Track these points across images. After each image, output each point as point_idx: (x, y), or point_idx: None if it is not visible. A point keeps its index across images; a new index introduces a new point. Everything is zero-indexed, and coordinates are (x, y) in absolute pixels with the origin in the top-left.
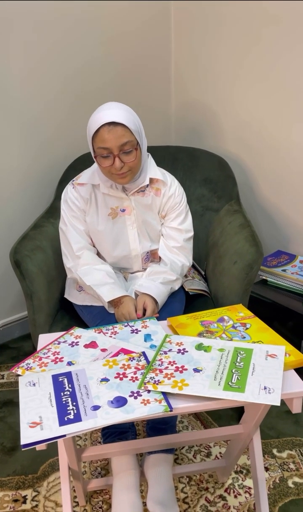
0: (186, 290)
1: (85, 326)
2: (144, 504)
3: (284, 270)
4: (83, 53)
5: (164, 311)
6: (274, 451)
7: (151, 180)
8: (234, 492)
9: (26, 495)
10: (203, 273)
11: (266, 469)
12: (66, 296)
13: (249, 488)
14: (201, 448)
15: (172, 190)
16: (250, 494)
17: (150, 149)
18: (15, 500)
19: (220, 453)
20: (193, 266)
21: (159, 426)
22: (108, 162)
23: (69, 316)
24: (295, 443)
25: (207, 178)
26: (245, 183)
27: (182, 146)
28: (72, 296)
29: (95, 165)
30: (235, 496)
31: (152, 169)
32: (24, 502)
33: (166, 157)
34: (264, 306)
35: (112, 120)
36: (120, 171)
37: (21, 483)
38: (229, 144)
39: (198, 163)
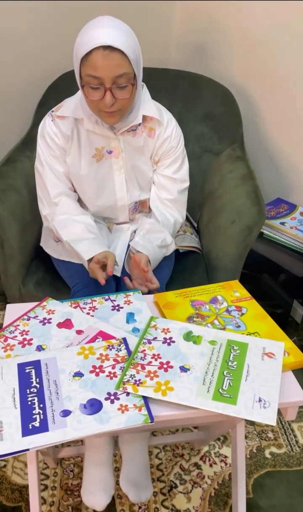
0: (176, 247)
1: (62, 279)
2: (117, 482)
3: (282, 223)
4: None
5: (153, 270)
6: None
7: (145, 118)
8: (209, 460)
9: None
10: (195, 225)
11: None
12: (42, 245)
13: (225, 456)
14: None
15: (168, 131)
16: (226, 464)
17: (145, 72)
18: None
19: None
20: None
21: None
22: (97, 94)
23: (44, 267)
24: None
25: (209, 113)
26: (249, 118)
27: (183, 71)
28: (49, 246)
29: (80, 94)
30: (210, 465)
31: (146, 105)
32: None
33: (164, 83)
34: (256, 259)
35: (109, 43)
36: (110, 108)
37: None
38: (236, 71)
39: (200, 94)
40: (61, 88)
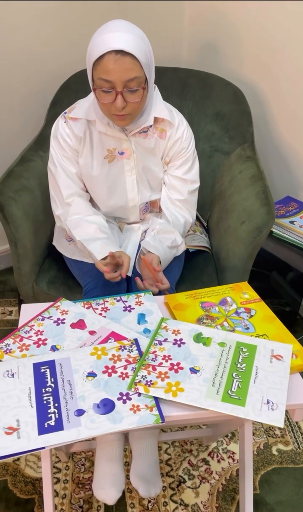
0: (186, 247)
1: (74, 278)
2: (127, 477)
3: (292, 222)
4: None
5: (163, 271)
6: None
7: (156, 119)
8: (217, 456)
9: None
10: (205, 224)
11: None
12: (54, 243)
13: (233, 453)
14: None
15: (179, 132)
16: (234, 460)
17: (156, 71)
18: None
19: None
20: None
21: None
22: (109, 98)
23: (57, 266)
24: None
25: (220, 112)
26: (260, 117)
27: (194, 70)
28: (61, 245)
29: (92, 96)
30: (218, 461)
31: (158, 106)
32: None
33: (175, 82)
34: (265, 257)
35: (121, 48)
36: (121, 111)
37: None
38: (247, 69)
39: (210, 93)
40: (73, 88)
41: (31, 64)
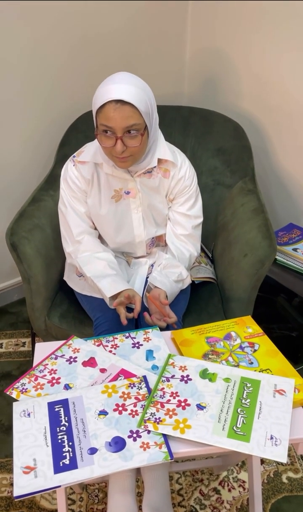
0: (192, 279)
1: (84, 312)
2: (140, 507)
3: (295, 250)
4: None
5: (170, 304)
6: None
7: (160, 160)
8: (228, 485)
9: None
10: (210, 255)
11: (261, 461)
12: (65, 279)
13: (243, 482)
14: None
15: (182, 172)
16: (244, 488)
17: (159, 109)
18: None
19: None
20: None
21: None
22: (109, 142)
23: (68, 300)
24: None
25: (221, 148)
26: (260, 147)
27: (196, 108)
28: (72, 280)
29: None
30: (229, 490)
31: (161, 148)
32: None
33: (177, 120)
34: (270, 282)
35: (120, 98)
36: (121, 155)
37: None
38: (246, 104)
39: (212, 130)
40: (80, 128)
41: (40, 106)
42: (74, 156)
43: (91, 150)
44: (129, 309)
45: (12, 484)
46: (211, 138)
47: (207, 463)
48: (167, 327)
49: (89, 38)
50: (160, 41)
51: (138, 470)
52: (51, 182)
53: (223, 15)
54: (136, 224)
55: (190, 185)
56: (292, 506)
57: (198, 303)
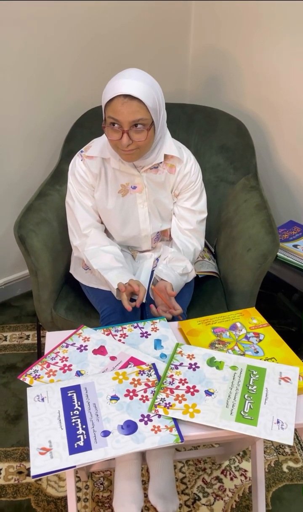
0: (196, 273)
1: (90, 304)
2: (145, 494)
3: (295, 246)
4: None
5: (175, 297)
6: None
7: (166, 156)
8: (230, 474)
9: (30, 468)
10: (213, 250)
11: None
12: (71, 272)
13: (245, 470)
14: None
15: (187, 167)
16: (246, 477)
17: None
18: (20, 472)
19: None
20: None
21: None
22: (116, 135)
23: (74, 293)
24: None
25: (224, 145)
26: (262, 146)
27: (199, 105)
28: (78, 273)
29: (105, 136)
30: (231, 479)
31: (167, 144)
32: (28, 474)
33: (181, 117)
34: (270, 278)
35: (129, 92)
36: (127, 148)
37: (26, 454)
38: (248, 102)
39: (216, 128)
40: (85, 125)
41: (46, 103)
42: (82, 151)
43: (98, 145)
44: (133, 301)
45: (19, 472)
46: (214, 135)
47: (209, 452)
48: (173, 319)
49: (94, 36)
50: (163, 40)
51: (143, 458)
52: (57, 177)
53: (226, 15)
54: (142, 218)
55: (195, 180)
56: (293, 494)
57: (202, 297)
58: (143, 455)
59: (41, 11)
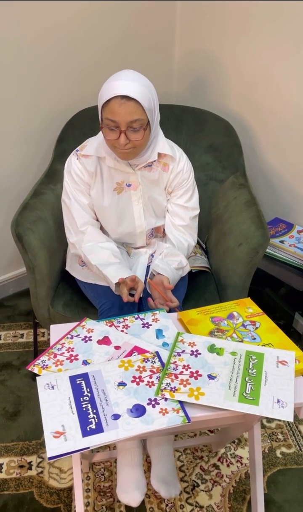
0: (190, 268)
1: (87, 300)
2: (147, 483)
3: (282, 242)
4: None
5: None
6: (264, 421)
7: (159, 154)
8: (226, 461)
9: (31, 461)
10: (204, 246)
11: None
12: (68, 269)
13: (241, 457)
14: None
15: (180, 165)
16: (242, 464)
17: None
18: (21, 466)
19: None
20: None
21: None
22: (113, 135)
23: (70, 290)
24: None
25: (212, 145)
26: (247, 145)
27: (187, 107)
28: (75, 270)
29: (101, 136)
30: (228, 465)
31: (161, 143)
32: (30, 468)
33: (170, 118)
34: (258, 274)
35: (126, 94)
36: (124, 147)
37: (26, 449)
38: (234, 103)
39: (204, 128)
40: (77, 125)
41: (37, 103)
42: (77, 150)
43: (94, 145)
44: (131, 296)
45: (20, 466)
46: (203, 135)
47: (206, 440)
48: (170, 311)
49: (83, 38)
50: (149, 41)
51: (144, 447)
52: (51, 176)
53: (211, 16)
54: (137, 215)
55: (187, 178)
56: (287, 478)
57: (196, 291)
58: (144, 444)
59: (32, 13)
